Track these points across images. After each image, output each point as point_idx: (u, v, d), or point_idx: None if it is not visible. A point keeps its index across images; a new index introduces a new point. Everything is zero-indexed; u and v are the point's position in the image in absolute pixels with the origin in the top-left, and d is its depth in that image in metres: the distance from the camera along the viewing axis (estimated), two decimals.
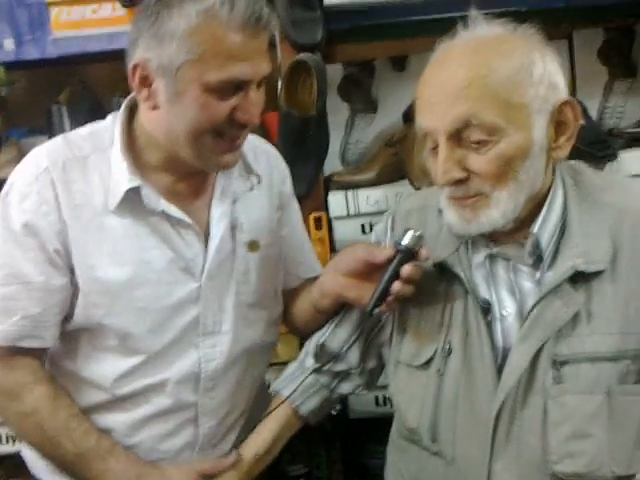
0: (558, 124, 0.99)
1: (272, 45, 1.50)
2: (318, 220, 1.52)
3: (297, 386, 1.20)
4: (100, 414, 1.12)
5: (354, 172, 1.64)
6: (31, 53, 1.56)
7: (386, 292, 1.05)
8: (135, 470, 1.10)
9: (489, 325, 1.03)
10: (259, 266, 1.19)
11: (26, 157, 1.10)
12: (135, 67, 1.03)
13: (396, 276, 1.04)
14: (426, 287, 1.10)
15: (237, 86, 1.02)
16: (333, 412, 1.36)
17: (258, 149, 1.23)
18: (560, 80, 0.99)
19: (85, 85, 1.71)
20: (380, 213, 1.51)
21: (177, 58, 0.99)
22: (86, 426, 1.09)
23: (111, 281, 1.07)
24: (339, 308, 1.19)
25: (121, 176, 1.06)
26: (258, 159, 1.22)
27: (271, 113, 1.59)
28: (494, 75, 0.95)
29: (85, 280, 1.07)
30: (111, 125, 1.11)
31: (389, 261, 1.05)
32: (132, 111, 1.11)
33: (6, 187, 1.08)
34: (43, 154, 1.08)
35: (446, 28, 1.48)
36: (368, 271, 1.10)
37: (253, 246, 1.18)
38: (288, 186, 1.29)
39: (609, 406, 0.96)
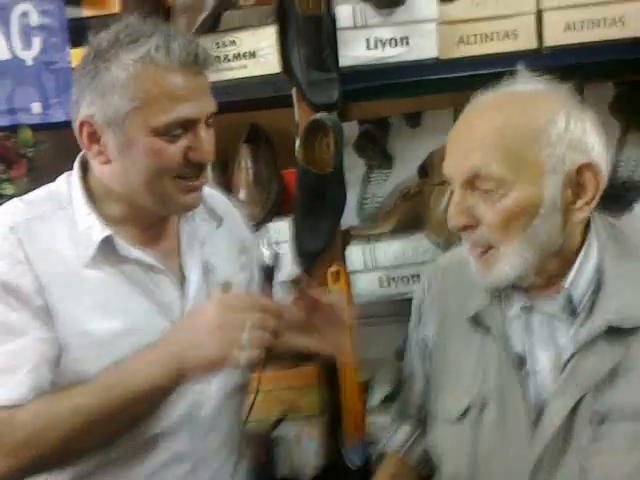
0: (578, 186, 0.97)
1: (290, 105, 1.56)
2: (336, 274, 1.53)
3: (399, 439, 1.21)
4: None
5: (371, 226, 1.65)
6: (57, 116, 1.60)
7: None
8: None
9: (523, 379, 1.02)
10: None
11: None
12: (82, 125, 1.03)
13: None
14: (460, 340, 1.10)
15: (184, 127, 1.02)
16: None
17: (214, 196, 1.25)
18: (588, 141, 0.97)
19: None
20: (398, 267, 1.53)
21: (122, 108, 1.00)
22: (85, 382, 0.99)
23: (100, 334, 1.04)
24: None
25: (92, 228, 1.06)
26: (216, 203, 1.23)
27: (290, 170, 1.63)
28: (509, 130, 0.96)
29: (73, 334, 1.03)
30: (66, 184, 1.11)
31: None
32: (85, 168, 1.12)
33: None
34: (4, 216, 1.06)
35: (457, 85, 1.54)
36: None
37: (226, 287, 1.16)
38: (247, 231, 1.32)
39: None
